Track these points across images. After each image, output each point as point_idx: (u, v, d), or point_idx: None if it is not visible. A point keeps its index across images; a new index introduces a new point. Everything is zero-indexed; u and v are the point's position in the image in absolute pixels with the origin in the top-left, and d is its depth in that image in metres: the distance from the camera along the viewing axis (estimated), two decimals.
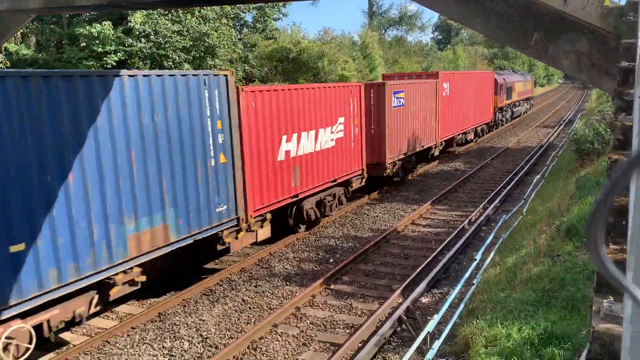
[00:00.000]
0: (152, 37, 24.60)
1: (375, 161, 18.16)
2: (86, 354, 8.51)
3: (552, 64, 6.36)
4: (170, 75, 9.67)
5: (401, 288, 10.34)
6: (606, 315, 2.64)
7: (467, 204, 17.72)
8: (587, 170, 16.43)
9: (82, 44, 22.94)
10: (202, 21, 26.91)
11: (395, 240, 13.92)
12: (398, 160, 19.49)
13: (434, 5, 6.45)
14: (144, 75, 9.18)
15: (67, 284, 7.90)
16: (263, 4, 32.66)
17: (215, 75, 10.60)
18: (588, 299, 7.06)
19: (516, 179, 20.81)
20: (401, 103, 19.35)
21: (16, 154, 7.17)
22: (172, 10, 25.48)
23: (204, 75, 10.38)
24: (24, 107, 7.24)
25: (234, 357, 8.28)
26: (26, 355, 7.49)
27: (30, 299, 7.41)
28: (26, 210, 7.31)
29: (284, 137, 12.85)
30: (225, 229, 11.08)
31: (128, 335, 9.14)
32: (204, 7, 27.08)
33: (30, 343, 7.54)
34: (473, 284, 9.98)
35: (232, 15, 30.78)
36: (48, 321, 7.88)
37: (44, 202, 7.54)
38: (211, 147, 10.58)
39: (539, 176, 20.80)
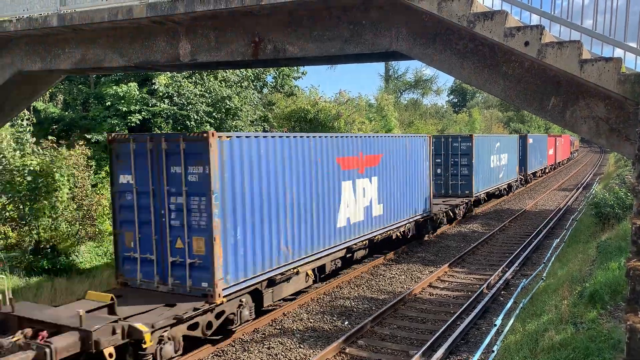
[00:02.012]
0: (175, 98, 25.42)
1: (550, 164, 53.24)
2: None
3: (570, 128, 6.39)
4: None
5: (419, 354, 10.03)
6: None
7: (485, 266, 17.41)
8: (607, 234, 16.14)
9: (107, 103, 23.74)
10: (223, 84, 27.79)
11: (413, 303, 13.62)
12: (560, 162, 61.60)
13: (453, 71, 6.61)
14: None
15: None
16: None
17: None
18: None
19: (535, 242, 20.48)
20: (556, 145, 55.02)
21: None
22: (196, 73, 26.41)
23: None
24: None
25: None
26: None
27: None
28: None
29: None
30: None
31: None
32: (226, 71, 28.05)
33: None
34: (493, 351, 9.65)
35: (252, 78, 31.78)
36: None
37: None
38: None
39: (558, 240, 20.45)
